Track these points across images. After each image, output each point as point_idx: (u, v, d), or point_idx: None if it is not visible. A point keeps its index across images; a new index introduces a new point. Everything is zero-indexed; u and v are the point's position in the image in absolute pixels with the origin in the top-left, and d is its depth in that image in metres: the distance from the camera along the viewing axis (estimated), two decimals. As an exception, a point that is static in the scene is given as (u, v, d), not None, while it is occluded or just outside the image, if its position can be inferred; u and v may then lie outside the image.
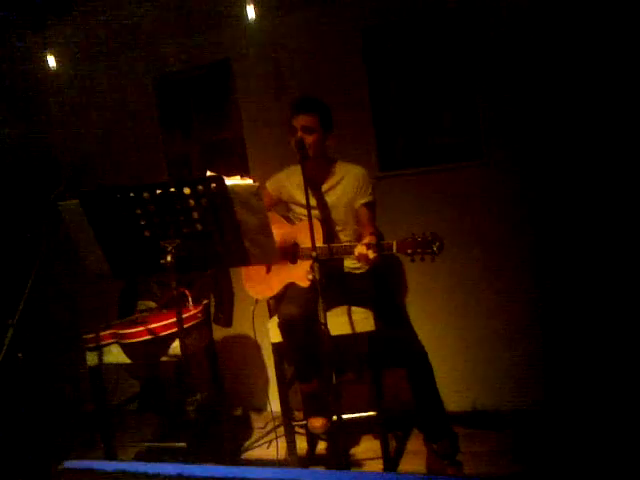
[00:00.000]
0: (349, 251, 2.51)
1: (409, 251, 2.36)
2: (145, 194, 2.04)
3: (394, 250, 2.40)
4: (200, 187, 2.01)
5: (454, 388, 3.15)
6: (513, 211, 3.09)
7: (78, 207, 2.10)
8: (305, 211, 2.40)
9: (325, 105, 2.78)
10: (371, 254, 2.38)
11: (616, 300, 2.89)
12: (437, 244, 2.33)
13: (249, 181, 2.09)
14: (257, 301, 2.91)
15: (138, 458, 3.20)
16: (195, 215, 2.06)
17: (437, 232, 2.37)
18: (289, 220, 2.94)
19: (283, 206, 3.00)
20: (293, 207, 2.94)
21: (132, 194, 2.04)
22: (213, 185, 2.00)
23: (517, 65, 3.01)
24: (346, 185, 2.82)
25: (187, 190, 2.02)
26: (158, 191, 2.03)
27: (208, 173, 2.20)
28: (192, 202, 2.04)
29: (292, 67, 3.42)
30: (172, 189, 2.03)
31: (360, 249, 2.42)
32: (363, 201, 2.79)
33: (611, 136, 2.86)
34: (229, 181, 2.03)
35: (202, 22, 3.53)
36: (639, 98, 2.79)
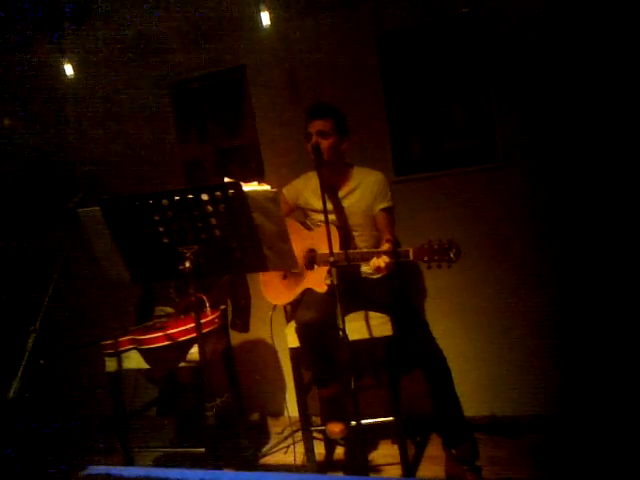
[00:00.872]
0: (366, 258, 2.51)
1: (425, 259, 2.35)
2: (164, 201, 2.04)
3: (410, 257, 2.38)
4: (218, 193, 2.01)
5: (472, 394, 3.12)
6: (530, 214, 3.07)
7: (98, 214, 2.12)
8: (322, 217, 2.39)
9: (339, 110, 2.78)
10: (387, 260, 2.38)
11: (637, 304, 2.86)
12: (454, 251, 2.31)
13: (267, 187, 2.09)
14: (275, 307, 2.92)
15: (156, 463, 3.22)
16: (213, 221, 2.06)
17: (453, 236, 2.36)
18: (306, 226, 2.95)
19: (300, 212, 3.01)
20: (310, 213, 2.94)
21: (151, 201, 2.05)
22: (231, 191, 2.01)
23: (532, 68, 3.00)
24: (364, 191, 2.82)
25: (205, 196, 2.02)
26: (176, 198, 2.04)
27: (226, 179, 2.21)
28: (210, 208, 2.04)
29: (307, 72, 3.43)
30: (190, 195, 2.03)
31: (376, 262, 2.42)
32: (382, 206, 2.79)
33: (629, 137, 2.84)
34: (247, 187, 2.04)
35: (217, 29, 3.54)
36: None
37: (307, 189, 2.92)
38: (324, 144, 2.68)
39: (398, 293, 2.91)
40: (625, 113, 2.84)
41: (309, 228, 2.93)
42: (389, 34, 3.25)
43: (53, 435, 3.10)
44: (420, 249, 2.36)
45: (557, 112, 2.98)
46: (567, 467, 2.65)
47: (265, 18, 3.12)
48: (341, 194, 2.84)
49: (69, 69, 3.60)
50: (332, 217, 2.75)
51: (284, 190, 2.97)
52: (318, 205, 2.73)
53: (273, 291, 2.88)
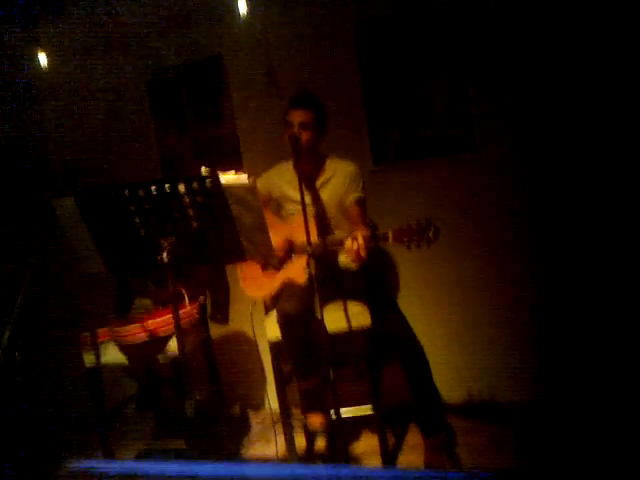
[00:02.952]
0: (344, 244, 2.50)
1: (405, 239, 2.35)
2: (140, 192, 2.02)
3: (390, 239, 2.38)
4: (195, 184, 2.00)
5: (450, 377, 3.15)
6: (508, 202, 3.09)
7: (73, 205, 2.09)
8: (297, 207, 2.38)
9: (321, 103, 2.77)
10: (361, 241, 2.37)
11: (615, 290, 2.89)
12: (432, 230, 2.33)
13: (244, 176, 2.08)
14: (255, 302, 2.90)
15: (137, 458, 3.19)
16: (190, 212, 2.04)
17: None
18: (281, 218, 2.93)
19: (274, 204, 2.99)
20: (284, 204, 2.92)
21: (126, 192, 2.03)
22: (208, 182, 2.00)
23: (509, 57, 3.01)
24: (337, 182, 2.81)
25: (182, 187, 2.01)
26: (153, 189, 2.02)
27: (203, 169, 2.19)
28: (187, 199, 2.02)
29: (284, 62, 3.40)
30: (167, 186, 2.02)
31: (349, 243, 2.41)
32: (353, 197, 2.78)
33: (606, 128, 2.86)
34: (224, 177, 2.02)
35: (193, 18, 3.50)
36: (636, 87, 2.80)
37: (281, 180, 2.90)
38: (305, 136, 2.66)
39: (376, 284, 2.92)
40: (601, 104, 2.86)
41: (283, 220, 2.91)
42: (367, 22, 3.24)
43: (31, 430, 3.06)
44: (399, 230, 2.37)
45: (534, 103, 2.99)
46: (546, 454, 2.68)
47: (242, 7, 3.09)
48: (317, 185, 2.83)
49: (44, 59, 3.53)
50: (309, 208, 2.72)
51: (256, 182, 2.95)
52: (293, 195, 2.73)
53: (253, 285, 2.86)
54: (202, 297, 3.06)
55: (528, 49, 2.96)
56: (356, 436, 3.12)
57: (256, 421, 3.57)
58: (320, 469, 1.10)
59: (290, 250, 2.74)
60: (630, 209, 2.84)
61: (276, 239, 2.68)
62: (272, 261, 2.76)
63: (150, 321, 2.71)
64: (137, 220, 2.07)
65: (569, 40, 2.88)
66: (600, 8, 2.79)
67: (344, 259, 2.81)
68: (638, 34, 2.73)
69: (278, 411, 2.87)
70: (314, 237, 2.51)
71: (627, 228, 2.85)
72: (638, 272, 2.83)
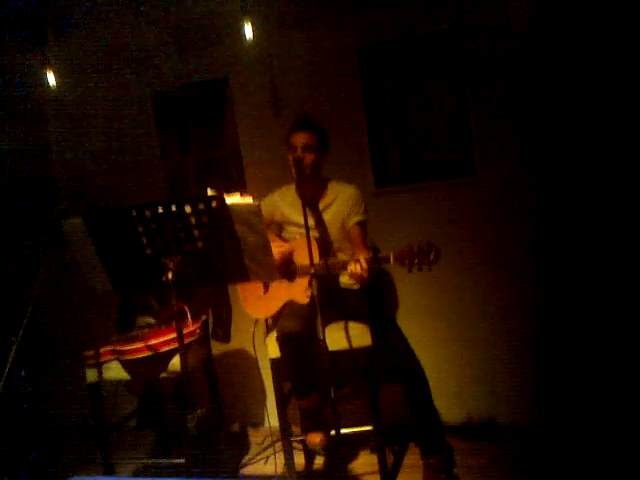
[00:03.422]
0: (346, 266, 2.54)
1: (406, 262, 2.37)
2: (147, 212, 2.06)
3: (391, 262, 2.41)
4: (201, 206, 2.04)
5: (450, 398, 3.17)
6: (508, 224, 3.13)
7: (81, 225, 2.13)
8: (299, 230, 2.40)
9: (322, 126, 2.82)
10: (365, 265, 2.41)
11: (612, 310, 2.92)
12: (433, 253, 2.35)
13: (249, 199, 2.12)
14: (256, 321, 2.92)
15: (136, 475, 3.20)
16: (196, 233, 2.08)
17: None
18: (283, 240, 2.96)
19: (275, 227, 3.01)
20: (287, 227, 2.95)
21: (134, 213, 2.07)
22: (214, 204, 2.03)
23: (509, 81, 3.08)
24: (339, 205, 2.84)
25: (188, 208, 2.05)
26: (160, 209, 2.06)
27: (209, 191, 2.23)
28: (193, 220, 2.06)
29: (289, 85, 3.47)
30: (173, 207, 2.06)
31: (352, 267, 2.44)
32: (356, 220, 2.81)
33: (605, 148, 2.92)
34: (229, 199, 2.06)
35: (200, 40, 3.57)
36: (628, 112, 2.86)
37: (284, 203, 2.93)
38: (308, 159, 2.69)
39: (376, 304, 2.94)
40: (601, 126, 2.92)
41: (286, 241, 2.94)
42: (370, 47, 3.30)
43: (33, 446, 3.08)
44: (400, 253, 2.39)
45: (534, 126, 3.05)
46: (544, 476, 2.69)
47: (248, 31, 3.15)
48: (319, 207, 2.87)
49: (52, 79, 3.57)
50: (311, 231, 2.75)
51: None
52: (296, 218, 2.77)
53: (254, 305, 2.88)
54: (204, 315, 3.08)
55: (528, 73, 3.03)
56: (355, 455, 3.13)
57: (256, 439, 3.57)
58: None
59: (293, 271, 2.77)
60: (631, 231, 2.88)
61: (278, 260, 2.72)
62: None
63: (153, 339, 2.74)
64: (144, 240, 2.11)
65: (569, 65, 2.94)
66: (601, 31, 2.85)
67: (346, 280, 2.85)
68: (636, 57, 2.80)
69: (278, 429, 2.89)
70: (316, 259, 2.54)
71: (629, 252, 2.89)
72: (636, 296, 2.87)
